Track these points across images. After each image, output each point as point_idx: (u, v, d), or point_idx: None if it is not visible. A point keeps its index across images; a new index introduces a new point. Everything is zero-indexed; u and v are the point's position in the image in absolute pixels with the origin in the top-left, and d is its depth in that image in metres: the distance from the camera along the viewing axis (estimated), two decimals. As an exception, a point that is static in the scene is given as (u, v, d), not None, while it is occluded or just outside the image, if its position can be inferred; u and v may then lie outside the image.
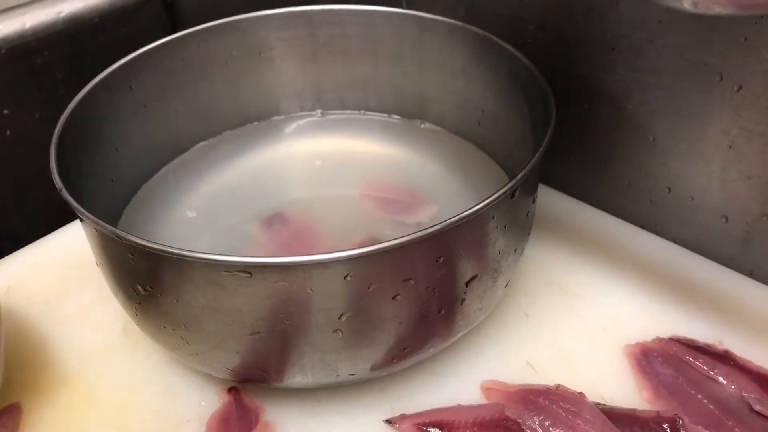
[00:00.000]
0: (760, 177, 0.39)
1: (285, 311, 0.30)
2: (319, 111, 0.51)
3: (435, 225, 0.29)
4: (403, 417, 0.35)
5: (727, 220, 0.42)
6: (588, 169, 0.47)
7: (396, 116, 0.50)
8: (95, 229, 0.31)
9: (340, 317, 0.31)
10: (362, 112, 0.51)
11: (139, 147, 0.45)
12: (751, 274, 0.42)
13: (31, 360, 0.39)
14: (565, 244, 0.45)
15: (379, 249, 0.29)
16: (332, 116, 0.51)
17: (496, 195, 0.31)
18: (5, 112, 0.57)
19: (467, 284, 0.33)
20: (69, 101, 0.55)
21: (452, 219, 0.30)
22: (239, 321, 0.31)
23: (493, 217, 0.32)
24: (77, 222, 0.49)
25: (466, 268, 0.33)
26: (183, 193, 0.45)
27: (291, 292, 0.29)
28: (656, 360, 0.37)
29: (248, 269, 0.29)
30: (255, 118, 0.50)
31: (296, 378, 0.34)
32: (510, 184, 0.31)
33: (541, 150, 0.33)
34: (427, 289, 0.32)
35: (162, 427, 0.36)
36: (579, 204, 0.48)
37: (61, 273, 0.45)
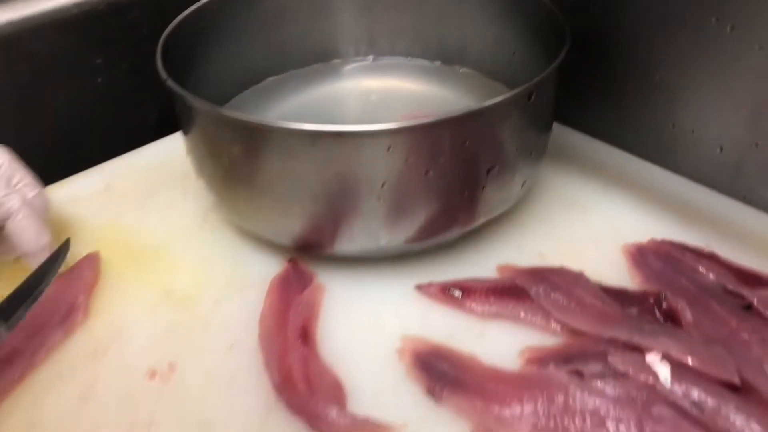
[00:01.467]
0: (751, 108, 0.46)
1: (339, 177, 0.38)
2: (371, 56, 0.59)
3: (462, 109, 0.37)
4: (429, 284, 0.42)
5: (721, 149, 0.48)
6: (601, 108, 0.54)
7: (438, 62, 0.58)
8: (195, 107, 0.39)
9: (382, 185, 0.38)
10: (408, 57, 0.59)
11: (217, 76, 0.53)
12: (743, 198, 0.48)
13: (123, 236, 0.48)
14: (579, 171, 0.52)
15: (416, 124, 0.36)
16: (383, 61, 0.59)
17: (514, 92, 0.38)
18: (98, 61, 0.66)
19: (488, 172, 0.40)
20: (153, 56, 0.65)
21: (477, 106, 0.37)
22: (303, 186, 0.39)
23: (512, 115, 0.39)
24: (160, 140, 0.58)
25: (487, 156, 0.40)
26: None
27: (344, 159, 0.37)
28: (649, 254, 0.43)
29: (312, 137, 0.36)
30: (317, 60, 0.59)
31: (344, 245, 0.41)
32: (527, 86, 0.39)
33: (554, 64, 0.40)
34: (454, 170, 0.39)
35: (233, 287, 0.44)
36: (592, 140, 0.55)
37: (151, 177, 0.54)
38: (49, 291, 0.41)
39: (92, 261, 0.45)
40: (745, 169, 0.48)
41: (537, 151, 0.44)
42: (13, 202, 0.41)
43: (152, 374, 0.38)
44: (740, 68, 0.45)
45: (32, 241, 0.42)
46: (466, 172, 0.39)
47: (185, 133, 0.44)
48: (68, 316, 0.41)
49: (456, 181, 0.39)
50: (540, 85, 0.40)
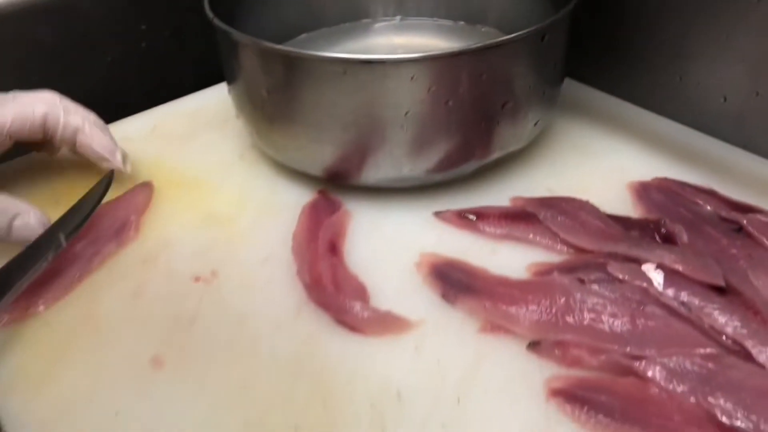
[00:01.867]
0: (754, 60, 0.49)
1: (366, 105, 0.42)
2: (398, 17, 0.63)
3: (480, 43, 0.41)
4: (447, 210, 0.46)
5: (725, 99, 0.51)
6: (612, 64, 0.57)
7: (461, 21, 0.62)
8: (238, 41, 0.44)
9: (405, 114, 0.42)
10: (434, 18, 0.63)
11: (254, 31, 0.57)
12: (745, 146, 0.52)
13: (168, 170, 0.52)
14: (590, 121, 0.55)
15: (438, 54, 0.40)
16: (409, 21, 0.63)
17: (528, 30, 0.42)
18: (143, 27, 0.71)
19: (503, 106, 0.44)
20: (194, 24, 0.70)
21: (493, 41, 0.41)
22: (334, 114, 0.43)
23: (526, 53, 0.43)
24: (200, 92, 0.63)
25: (502, 91, 0.43)
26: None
27: (372, 87, 0.41)
28: (651, 189, 0.47)
29: (343, 66, 0.41)
30: (347, 18, 0.63)
31: (370, 174, 0.46)
32: (540, 25, 0.42)
33: (567, 8, 0.44)
34: (472, 101, 0.43)
35: (268, 211, 0.48)
36: (603, 94, 0.58)
37: (192, 121, 0.59)
38: (106, 210, 0.46)
39: (144, 187, 0.49)
40: (747, 118, 0.51)
41: (549, 92, 0.48)
42: (77, 120, 0.46)
43: (196, 279, 0.43)
44: (743, 22, 0.48)
45: (104, 145, 0.47)
46: (482, 104, 0.43)
47: (227, 70, 0.48)
48: (121, 231, 0.46)
49: (473, 113, 0.43)
50: (553, 27, 0.43)
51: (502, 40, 0.41)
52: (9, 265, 0.39)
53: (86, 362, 0.38)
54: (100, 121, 0.48)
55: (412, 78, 0.41)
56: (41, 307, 0.41)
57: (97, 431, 0.34)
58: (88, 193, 0.46)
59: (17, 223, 0.41)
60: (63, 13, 0.64)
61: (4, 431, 0.35)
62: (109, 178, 0.47)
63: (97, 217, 0.45)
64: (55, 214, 0.44)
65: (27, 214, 0.42)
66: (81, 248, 0.44)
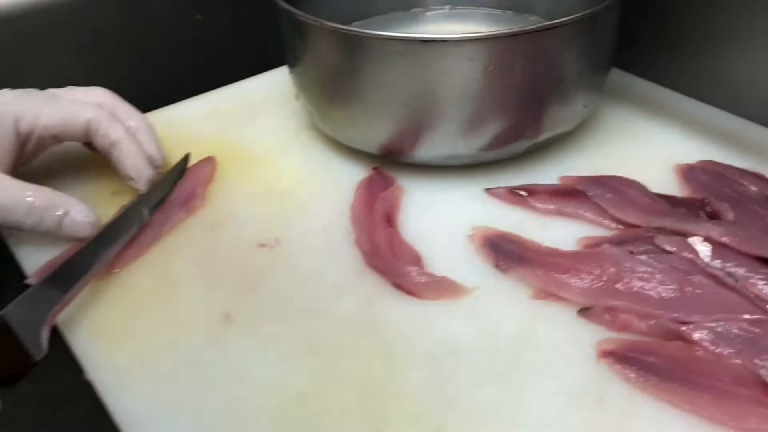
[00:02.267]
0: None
1: (425, 83, 0.44)
2: (448, 6, 0.65)
3: (536, 25, 0.43)
4: (498, 187, 0.48)
5: (773, 86, 0.53)
6: (659, 54, 0.59)
7: (509, 11, 0.64)
8: (303, 21, 0.46)
9: (462, 92, 0.44)
10: (483, 7, 0.65)
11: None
12: (792, 135, 0.53)
13: (229, 147, 0.55)
14: (637, 109, 0.57)
15: (496, 35, 0.42)
16: (458, 10, 0.65)
17: (583, 14, 0.44)
18: (197, 17, 0.74)
19: (556, 87, 0.46)
20: (249, 16, 0.72)
21: (549, 23, 0.43)
22: (393, 92, 0.45)
23: (580, 35, 0.45)
24: (255, 77, 0.66)
25: (555, 72, 0.45)
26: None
27: (431, 66, 0.43)
28: (697, 171, 0.48)
29: (404, 45, 0.43)
30: (399, 7, 0.65)
31: (424, 151, 0.48)
32: (594, 9, 0.44)
33: (617, -6, 0.46)
34: (526, 81, 0.45)
35: (325, 186, 0.50)
36: (650, 84, 0.60)
37: (250, 103, 0.61)
38: (174, 184, 0.49)
39: (208, 161, 0.52)
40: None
41: (599, 76, 0.50)
42: (116, 132, 0.47)
43: (261, 245, 0.45)
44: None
45: (133, 167, 0.47)
46: (536, 84, 0.45)
47: (290, 52, 0.51)
48: (189, 201, 0.48)
49: (527, 93, 0.45)
50: (604, 12, 0.45)
51: (558, 23, 0.43)
52: (98, 238, 0.43)
53: (161, 317, 0.40)
54: (146, 128, 0.50)
55: (470, 57, 0.43)
56: (117, 269, 0.43)
57: (173, 378, 0.37)
58: (167, 173, 0.49)
59: (66, 221, 0.43)
60: (121, 3, 0.68)
61: (88, 376, 0.38)
62: (185, 161, 0.51)
63: (166, 188, 0.49)
64: (113, 205, 0.48)
65: (75, 211, 0.43)
66: (153, 216, 0.47)
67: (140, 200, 0.46)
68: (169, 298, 0.41)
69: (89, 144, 0.49)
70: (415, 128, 0.47)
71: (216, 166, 0.52)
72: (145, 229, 0.46)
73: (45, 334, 0.37)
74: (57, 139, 0.47)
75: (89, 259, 0.41)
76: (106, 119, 0.47)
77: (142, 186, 0.48)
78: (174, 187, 0.48)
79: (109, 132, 0.47)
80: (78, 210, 0.44)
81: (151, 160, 0.49)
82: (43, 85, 0.49)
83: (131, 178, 0.48)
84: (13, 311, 0.36)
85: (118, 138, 0.47)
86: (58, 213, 0.43)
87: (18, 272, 0.50)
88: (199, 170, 0.51)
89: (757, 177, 0.47)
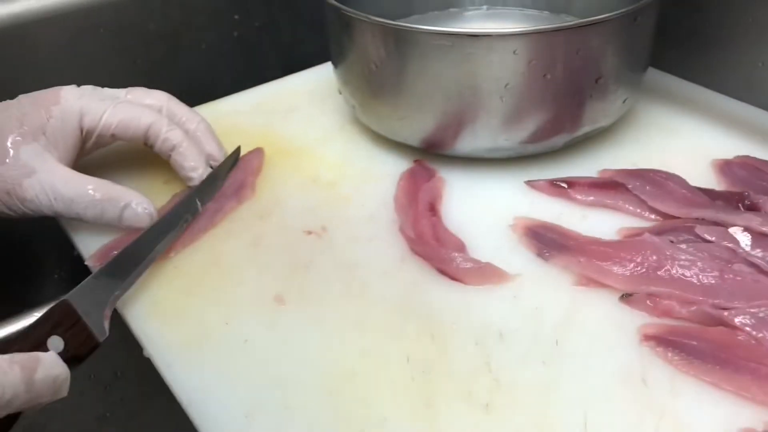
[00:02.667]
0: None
1: (469, 77, 0.46)
2: (485, 6, 0.67)
3: (578, 21, 0.44)
4: (539, 179, 0.49)
5: (809, 84, 0.53)
6: (695, 53, 0.60)
7: (546, 11, 0.65)
8: (350, 16, 0.48)
9: (506, 85, 0.46)
10: (520, 8, 0.66)
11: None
12: (827, 131, 0.53)
13: (274, 140, 0.57)
14: (673, 106, 0.58)
15: (540, 30, 0.44)
16: (495, 10, 0.66)
17: (623, 11, 0.45)
18: (236, 17, 0.77)
19: (596, 81, 0.47)
20: (284, 17, 0.74)
21: (590, 19, 0.44)
22: (439, 85, 0.47)
23: (620, 31, 0.46)
24: (297, 74, 0.68)
25: (596, 67, 0.46)
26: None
27: (476, 60, 0.45)
28: (734, 166, 0.49)
29: (451, 39, 0.44)
30: (437, 7, 0.66)
31: (466, 143, 0.49)
32: (634, 7, 0.45)
33: (659, -9, 0.47)
34: (568, 75, 0.46)
35: (368, 178, 0.52)
36: (686, 82, 0.61)
37: (292, 99, 0.63)
38: (226, 172, 0.51)
39: (258, 153, 0.54)
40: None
41: (638, 72, 0.51)
42: (176, 136, 0.49)
43: (308, 232, 0.47)
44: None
45: (191, 168, 0.49)
46: (577, 79, 0.46)
47: (335, 47, 0.53)
48: (239, 191, 0.50)
49: (568, 87, 0.47)
50: (644, 10, 0.46)
51: (599, 19, 0.44)
52: (156, 227, 0.45)
53: (215, 298, 0.42)
54: (204, 130, 0.51)
55: (514, 51, 0.44)
56: (172, 253, 0.45)
57: (229, 355, 0.38)
58: (219, 166, 0.51)
59: (127, 213, 0.45)
60: (164, 3, 0.70)
61: (147, 353, 0.40)
62: (237, 153, 0.53)
63: (219, 178, 0.50)
64: (164, 193, 0.50)
65: (135, 203, 0.45)
66: (206, 205, 0.48)
67: (194, 190, 0.48)
68: (222, 281, 0.43)
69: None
70: (458, 121, 0.48)
71: (264, 157, 0.54)
72: (198, 218, 0.47)
73: (107, 317, 0.39)
74: (116, 138, 0.49)
75: (147, 247, 0.43)
76: (166, 124, 0.49)
77: (197, 182, 0.50)
78: (226, 177, 0.50)
79: (169, 136, 0.49)
80: (138, 202, 0.46)
81: (211, 158, 0.51)
82: (87, 83, 0.51)
83: (189, 178, 0.50)
84: (78, 295, 0.38)
85: (178, 142, 0.49)
86: (119, 205, 0.45)
87: (59, 263, 0.52)
88: (249, 161, 0.53)
89: (794, 172, 0.48)
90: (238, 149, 0.53)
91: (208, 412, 0.35)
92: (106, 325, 0.39)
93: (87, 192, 0.45)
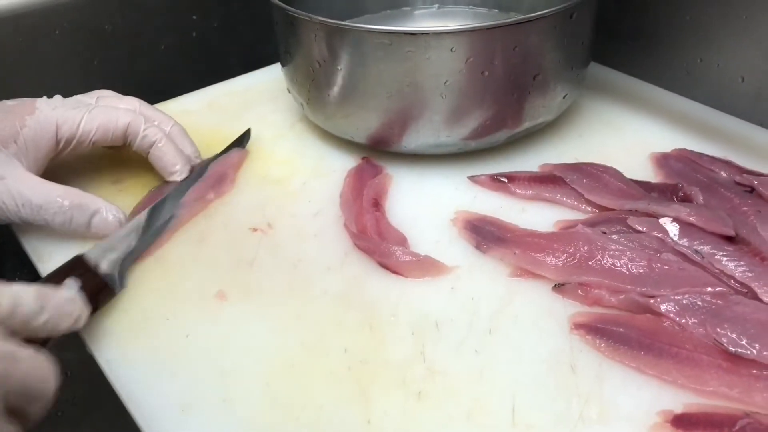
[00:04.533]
0: (768, 41, 0.53)
1: (410, 74, 0.46)
2: (436, 5, 0.68)
3: (514, 18, 0.45)
4: (481, 174, 0.50)
5: (743, 79, 0.55)
6: (636, 49, 0.61)
7: (495, 9, 0.66)
8: (294, 17, 0.48)
9: (445, 82, 0.47)
10: (470, 6, 0.67)
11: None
12: (761, 124, 0.55)
13: (225, 139, 0.57)
14: (615, 101, 0.59)
15: (476, 27, 0.45)
16: (447, 9, 0.67)
17: (558, 8, 0.46)
18: (194, 17, 0.77)
19: (534, 78, 0.48)
20: (242, 16, 0.75)
21: (526, 17, 0.45)
22: (380, 83, 0.47)
23: (556, 28, 0.47)
24: (249, 74, 0.68)
25: (534, 64, 0.48)
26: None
27: (415, 58, 0.46)
28: (671, 158, 0.51)
29: (390, 38, 0.45)
30: (389, 6, 0.67)
31: (410, 140, 0.50)
32: (570, 4, 0.47)
33: (593, -11, 0.48)
34: (505, 72, 0.47)
35: (317, 174, 0.53)
36: (627, 77, 0.62)
37: (244, 98, 0.64)
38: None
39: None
40: (764, 96, 0.54)
41: (577, 68, 0.52)
42: (154, 133, 0.49)
43: (254, 229, 0.47)
44: (760, 5, 0.52)
45: (173, 161, 0.50)
46: (515, 75, 0.47)
47: (282, 47, 0.53)
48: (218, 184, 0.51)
49: (507, 83, 0.48)
50: (580, 6, 0.48)
51: (534, 16, 0.45)
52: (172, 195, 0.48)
53: (158, 294, 0.42)
54: (179, 132, 0.52)
55: (452, 49, 0.45)
56: (117, 250, 0.46)
57: (169, 349, 0.39)
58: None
59: (96, 219, 0.46)
60: (122, 3, 0.70)
61: (89, 349, 0.40)
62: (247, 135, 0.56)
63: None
64: (115, 192, 0.51)
65: (104, 210, 0.46)
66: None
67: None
68: (166, 278, 0.44)
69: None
70: (401, 119, 0.49)
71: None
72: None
73: (122, 271, 0.43)
74: (95, 144, 0.49)
75: (163, 213, 0.47)
76: (143, 122, 0.49)
77: (179, 179, 0.50)
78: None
79: (148, 134, 0.49)
80: (107, 209, 0.46)
81: (189, 160, 0.51)
82: (45, 86, 0.51)
83: (170, 173, 0.50)
84: (92, 252, 0.42)
85: (157, 138, 0.50)
86: (88, 212, 0.46)
87: (22, 267, 0.52)
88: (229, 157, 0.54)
89: (726, 164, 0.49)
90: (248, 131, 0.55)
91: (147, 406, 0.36)
92: (121, 281, 0.42)
93: (55, 199, 0.45)
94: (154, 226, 0.46)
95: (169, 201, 0.48)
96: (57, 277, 0.39)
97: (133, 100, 0.52)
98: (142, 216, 0.46)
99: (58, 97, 0.50)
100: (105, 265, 0.42)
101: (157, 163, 0.50)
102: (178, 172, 0.50)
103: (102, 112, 0.49)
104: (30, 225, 0.46)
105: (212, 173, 0.51)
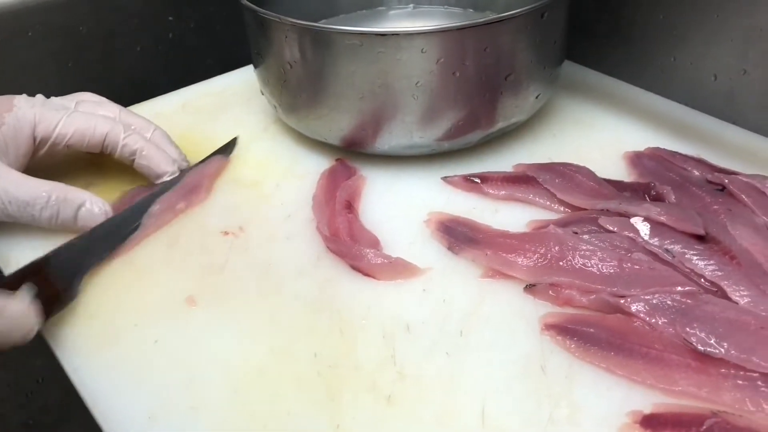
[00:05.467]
0: (741, 40, 0.52)
1: (381, 75, 0.46)
2: (411, 5, 0.67)
3: (484, 19, 0.45)
4: (454, 175, 0.50)
5: (715, 78, 0.55)
6: (610, 47, 0.61)
7: (470, 9, 0.66)
8: (264, 18, 0.48)
9: (417, 83, 0.46)
10: (445, 6, 0.67)
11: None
12: (734, 121, 0.55)
13: (198, 141, 0.57)
14: (589, 100, 0.59)
15: (446, 28, 0.44)
16: (422, 9, 0.67)
17: (529, 7, 0.46)
18: (170, 18, 0.76)
19: (506, 78, 0.48)
20: (219, 17, 0.74)
21: (496, 17, 0.45)
22: (352, 84, 0.47)
23: (527, 28, 0.47)
24: (223, 75, 0.68)
25: (505, 64, 0.47)
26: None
27: (386, 59, 0.45)
28: (644, 157, 0.51)
29: (360, 38, 0.45)
30: (364, 6, 0.67)
31: (383, 141, 0.50)
32: (541, 3, 0.46)
33: (564, -11, 0.48)
34: (477, 73, 0.47)
35: (290, 176, 0.52)
36: (602, 75, 0.62)
37: (218, 100, 0.63)
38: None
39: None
40: (736, 94, 0.55)
41: (549, 68, 0.52)
42: (135, 141, 0.49)
43: (225, 233, 0.47)
44: (732, 6, 0.52)
45: (161, 166, 0.50)
46: (487, 76, 0.47)
47: (254, 48, 0.53)
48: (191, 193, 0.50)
49: (479, 84, 0.47)
50: (551, 6, 0.48)
51: (505, 16, 0.45)
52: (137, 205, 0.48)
53: (127, 300, 0.42)
54: (160, 137, 0.52)
55: (422, 50, 0.45)
56: (86, 256, 0.45)
57: (137, 356, 0.38)
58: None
59: (82, 212, 0.46)
60: (97, 5, 0.69)
61: (56, 355, 0.39)
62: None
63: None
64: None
65: (90, 203, 0.46)
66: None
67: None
68: (135, 283, 0.43)
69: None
70: (374, 120, 0.49)
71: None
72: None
73: (80, 278, 0.42)
74: (70, 148, 0.49)
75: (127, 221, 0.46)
76: (123, 130, 0.49)
77: (169, 176, 0.50)
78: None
79: (128, 142, 0.49)
80: (93, 201, 0.46)
81: (174, 162, 0.51)
82: (19, 88, 0.50)
83: (159, 177, 0.50)
84: (51, 257, 0.42)
85: (139, 147, 0.49)
86: (74, 206, 0.45)
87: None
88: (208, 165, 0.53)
89: (699, 162, 0.49)
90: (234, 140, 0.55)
91: (113, 413, 0.35)
92: (77, 288, 0.41)
93: (41, 194, 0.45)
94: (118, 234, 0.45)
95: (137, 209, 0.47)
96: (13, 283, 0.38)
97: (113, 107, 0.51)
98: (106, 224, 0.45)
99: (39, 96, 0.50)
100: (63, 272, 0.41)
101: (144, 171, 0.50)
102: (167, 177, 0.50)
103: (80, 118, 0.48)
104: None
105: (186, 182, 0.50)
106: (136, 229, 0.46)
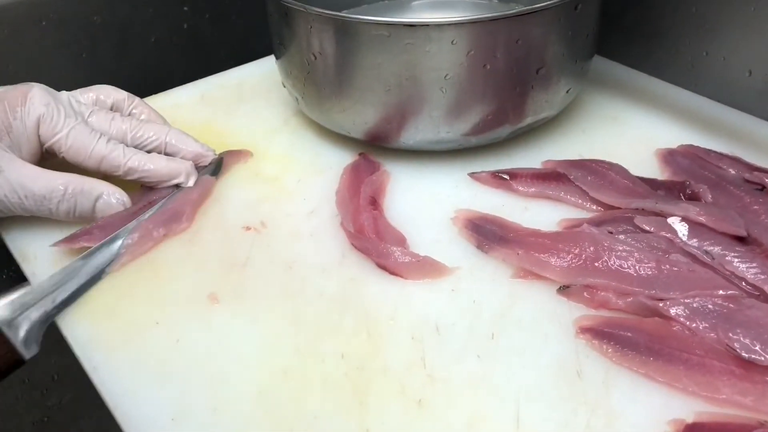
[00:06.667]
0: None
1: (409, 68, 0.45)
2: (436, -5, 0.66)
3: (517, 10, 0.43)
4: (482, 171, 0.49)
5: (750, 73, 0.53)
6: (641, 42, 0.60)
7: (495, 1, 0.64)
8: (290, 8, 0.47)
9: (445, 76, 0.45)
10: (469, -2, 0.65)
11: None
12: (768, 119, 0.54)
13: (217, 134, 0.55)
14: (620, 95, 0.58)
15: (478, 18, 0.43)
16: (444, 0, 0.66)
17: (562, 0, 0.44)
18: (185, 9, 0.75)
19: (537, 72, 0.47)
20: (234, 8, 0.73)
21: (529, 8, 0.43)
22: (378, 76, 0.46)
23: (560, 20, 0.46)
24: (241, 66, 0.66)
25: (537, 57, 0.46)
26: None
27: (415, 50, 0.44)
28: (678, 155, 0.49)
29: (388, 29, 0.43)
30: (386, -2, 0.66)
31: (409, 136, 0.48)
32: (574, -4, 0.45)
33: (599, -20, 0.47)
34: (508, 66, 0.45)
35: (312, 171, 0.51)
36: (633, 71, 0.61)
37: (237, 92, 0.62)
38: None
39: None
40: (772, 91, 0.53)
41: (581, 62, 0.50)
42: (137, 161, 0.46)
43: (247, 228, 0.46)
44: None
45: (170, 174, 0.47)
46: (518, 69, 0.46)
47: (276, 39, 0.51)
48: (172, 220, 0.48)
49: (509, 77, 0.46)
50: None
51: (538, 7, 0.44)
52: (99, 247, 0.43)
53: (147, 297, 0.41)
54: (178, 134, 0.49)
55: (452, 41, 0.43)
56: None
57: (159, 355, 0.37)
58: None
59: (100, 203, 0.45)
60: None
61: (74, 351, 0.38)
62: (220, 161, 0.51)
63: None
64: None
65: (108, 193, 0.45)
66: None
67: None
68: (155, 280, 0.42)
69: None
70: (400, 113, 0.47)
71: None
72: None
73: (36, 335, 0.38)
74: (67, 161, 0.47)
75: (92, 264, 0.42)
76: (122, 154, 0.46)
77: (191, 183, 0.48)
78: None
79: (132, 165, 0.46)
80: (110, 192, 0.45)
81: (200, 156, 0.49)
82: (33, 79, 0.49)
83: (178, 185, 0.48)
84: (12, 307, 0.38)
85: (137, 166, 0.46)
86: (92, 197, 0.44)
87: (8, 263, 0.50)
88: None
89: (734, 160, 0.48)
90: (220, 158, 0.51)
91: (135, 415, 0.34)
92: (36, 342, 0.38)
93: (58, 187, 0.44)
94: (89, 272, 0.42)
95: (106, 244, 0.43)
96: None
97: (125, 120, 0.48)
98: (74, 264, 0.41)
99: (63, 93, 0.48)
100: (20, 328, 0.38)
101: (154, 184, 0.48)
102: (186, 182, 0.48)
103: (81, 135, 0.45)
104: (12, 222, 0.44)
105: (165, 209, 0.46)
106: (110, 264, 0.43)
